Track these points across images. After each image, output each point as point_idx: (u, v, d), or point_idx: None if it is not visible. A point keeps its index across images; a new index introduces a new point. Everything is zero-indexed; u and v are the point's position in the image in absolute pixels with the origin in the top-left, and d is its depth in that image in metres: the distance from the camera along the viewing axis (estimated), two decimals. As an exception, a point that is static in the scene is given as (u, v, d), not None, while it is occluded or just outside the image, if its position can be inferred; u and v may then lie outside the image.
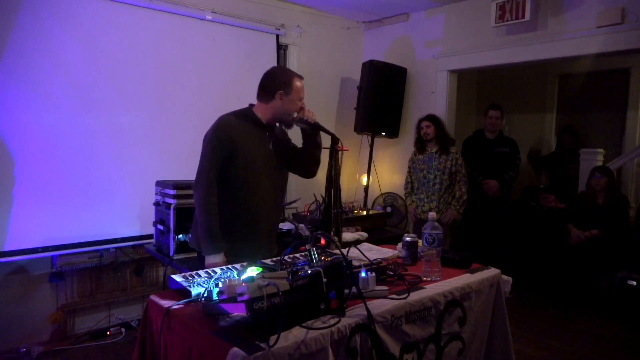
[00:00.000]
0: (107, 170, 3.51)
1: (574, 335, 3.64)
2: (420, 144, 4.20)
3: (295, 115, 2.19)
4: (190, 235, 2.38)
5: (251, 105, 2.26)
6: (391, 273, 1.85)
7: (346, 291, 1.52)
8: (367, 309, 1.49)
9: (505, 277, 2.13)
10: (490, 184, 4.40)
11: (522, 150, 6.30)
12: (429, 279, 1.90)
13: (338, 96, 5.18)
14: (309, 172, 2.40)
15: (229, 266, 1.80)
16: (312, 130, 2.28)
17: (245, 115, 2.21)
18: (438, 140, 4.11)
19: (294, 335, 1.33)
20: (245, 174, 2.13)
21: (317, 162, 2.38)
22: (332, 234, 2.50)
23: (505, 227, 4.58)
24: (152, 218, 3.16)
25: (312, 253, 1.63)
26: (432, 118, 4.16)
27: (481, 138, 4.63)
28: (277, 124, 2.29)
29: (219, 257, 2.06)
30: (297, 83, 2.21)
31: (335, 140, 2.21)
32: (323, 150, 2.64)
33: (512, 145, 4.58)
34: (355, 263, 1.82)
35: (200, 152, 2.15)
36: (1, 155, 3.10)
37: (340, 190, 2.55)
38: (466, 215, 4.27)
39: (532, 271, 4.72)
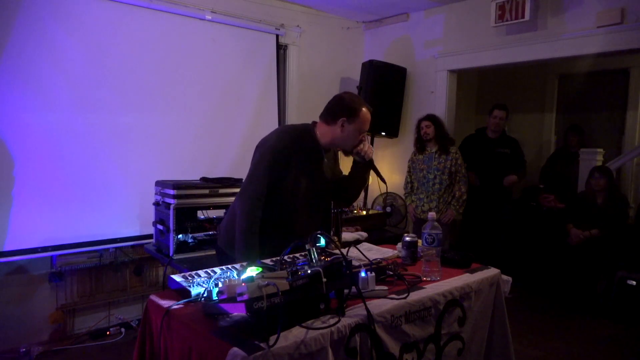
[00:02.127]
0: (107, 170, 3.51)
1: (574, 335, 3.65)
2: (420, 144, 4.21)
3: (355, 147, 2.14)
4: (220, 233, 2.27)
5: (314, 123, 2.18)
6: (391, 273, 1.85)
7: (346, 291, 1.52)
8: (367, 309, 1.49)
9: (505, 277, 2.13)
10: (510, 178, 4.35)
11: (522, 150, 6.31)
12: (429, 279, 1.90)
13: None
14: (346, 201, 2.37)
15: (229, 266, 1.80)
16: (364, 166, 2.22)
17: (305, 131, 2.13)
18: (438, 140, 4.11)
19: (294, 335, 1.33)
20: (291, 192, 2.05)
21: (356, 196, 2.33)
22: (332, 233, 2.50)
23: (504, 228, 4.57)
24: (152, 218, 3.16)
25: (312, 253, 1.63)
26: (431, 118, 4.16)
27: (483, 137, 4.59)
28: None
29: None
30: (364, 113, 2.10)
31: (382, 180, 2.20)
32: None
33: (513, 146, 4.52)
34: (355, 263, 1.82)
35: (253, 159, 2.08)
36: (1, 155, 3.10)
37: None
38: (467, 214, 4.27)
39: (531, 271, 4.72)
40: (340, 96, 2.16)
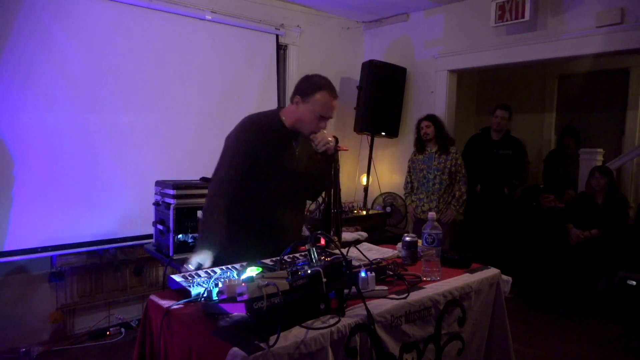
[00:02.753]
0: (107, 170, 3.51)
1: (574, 335, 3.64)
2: (420, 144, 4.20)
3: (311, 133, 2.03)
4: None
5: (280, 108, 2.14)
6: (391, 273, 1.85)
7: (346, 291, 1.51)
8: (367, 309, 1.49)
9: (504, 276, 2.13)
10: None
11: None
12: (429, 279, 1.90)
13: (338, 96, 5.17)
14: (309, 195, 2.29)
15: (229, 266, 1.80)
16: (320, 158, 2.09)
17: (270, 117, 2.08)
18: (438, 140, 4.11)
19: (294, 335, 1.33)
20: (262, 178, 2.01)
21: (316, 191, 2.27)
22: (332, 234, 2.50)
23: (505, 229, 4.56)
24: (152, 218, 3.16)
25: (312, 253, 1.63)
26: (431, 118, 4.16)
27: (486, 138, 4.57)
28: None
29: (204, 260, 1.85)
30: (321, 94, 1.98)
31: (334, 182, 2.13)
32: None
33: (516, 148, 4.48)
34: (355, 263, 1.82)
35: (221, 152, 2.07)
36: (1, 155, 3.10)
37: (340, 190, 2.55)
38: (468, 215, 4.26)
39: (532, 271, 4.72)
40: (306, 75, 2.10)
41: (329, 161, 2.09)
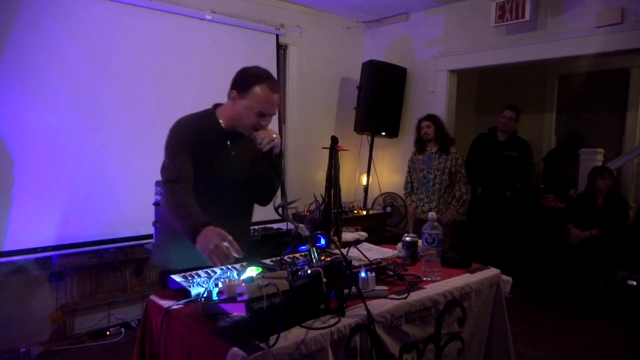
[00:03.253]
0: (107, 170, 3.51)
1: (574, 335, 3.64)
2: (420, 144, 4.20)
3: (252, 131, 1.84)
4: (153, 249, 2.03)
5: (216, 106, 1.96)
6: (391, 273, 1.85)
7: (346, 291, 1.51)
8: (367, 309, 1.49)
9: (505, 277, 2.12)
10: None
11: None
12: (429, 279, 1.90)
13: (338, 96, 5.19)
14: (257, 200, 2.07)
15: (229, 266, 1.79)
16: (264, 158, 1.86)
17: (205, 117, 1.91)
18: (438, 140, 4.11)
19: (294, 335, 1.33)
20: (199, 183, 1.80)
21: (266, 195, 2.04)
22: (332, 234, 2.50)
23: (507, 231, 4.54)
24: (152, 218, 3.16)
25: (312, 253, 1.63)
26: (432, 118, 4.15)
27: (492, 138, 4.53)
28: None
29: (209, 231, 1.55)
30: (259, 89, 1.78)
31: (280, 181, 1.93)
32: (323, 151, 2.64)
33: (522, 149, 4.43)
34: (355, 263, 1.82)
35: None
36: (1, 155, 3.10)
37: (340, 190, 2.56)
38: (470, 216, 4.24)
39: (532, 271, 4.72)
40: (243, 67, 1.88)
41: (276, 161, 1.87)
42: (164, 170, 1.80)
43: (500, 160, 4.40)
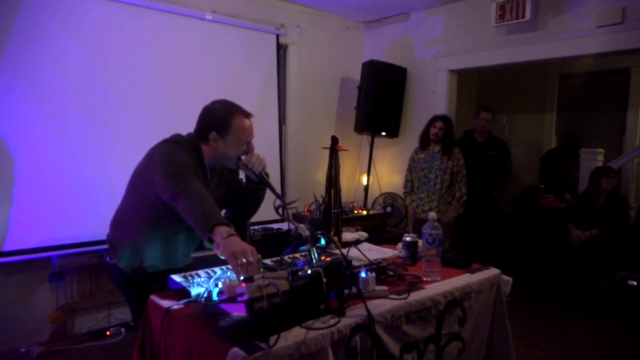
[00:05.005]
0: (107, 170, 3.50)
1: (574, 336, 3.64)
2: (425, 141, 4.18)
3: (241, 158, 1.87)
4: (114, 255, 1.93)
5: (200, 140, 1.90)
6: (391, 273, 1.85)
7: (346, 291, 1.51)
8: (367, 309, 1.49)
9: (505, 277, 2.12)
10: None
11: (522, 150, 6.33)
12: (429, 279, 1.90)
13: (338, 96, 5.19)
14: (244, 215, 2.14)
15: (229, 266, 1.79)
16: (256, 182, 1.95)
17: (192, 144, 1.87)
18: (443, 141, 4.09)
19: (294, 335, 1.33)
20: (172, 216, 1.72)
21: (249, 214, 2.12)
22: (332, 234, 2.50)
23: (498, 230, 4.55)
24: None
25: (312, 253, 1.63)
26: (447, 120, 4.11)
27: (470, 141, 4.57)
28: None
29: (239, 241, 1.51)
30: (237, 122, 1.83)
31: (280, 198, 1.93)
32: (323, 151, 2.64)
33: (501, 148, 4.51)
34: (355, 263, 1.82)
35: (153, 161, 1.82)
36: (1, 155, 3.10)
37: (340, 190, 2.56)
38: (459, 218, 4.22)
39: (532, 271, 4.72)
40: (208, 107, 1.88)
41: (264, 184, 1.93)
42: (173, 172, 1.71)
43: (483, 160, 4.43)
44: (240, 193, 2.08)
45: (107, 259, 2.00)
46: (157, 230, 1.89)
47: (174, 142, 1.87)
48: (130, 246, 1.90)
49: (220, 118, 1.83)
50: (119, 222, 2.01)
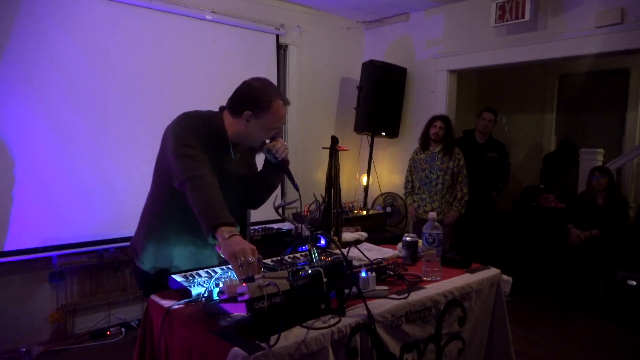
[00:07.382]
0: (107, 170, 3.51)
1: (574, 336, 3.64)
2: (425, 141, 4.18)
3: (265, 142, 1.83)
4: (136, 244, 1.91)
5: (222, 109, 1.88)
6: (391, 273, 1.85)
7: (346, 291, 1.52)
8: (368, 309, 1.49)
9: (505, 277, 2.13)
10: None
11: (522, 150, 6.34)
12: (429, 279, 1.90)
13: (338, 96, 5.19)
14: (254, 202, 2.06)
15: (229, 266, 1.79)
16: (274, 168, 1.91)
17: (211, 118, 1.84)
18: (443, 141, 4.09)
19: (295, 335, 1.33)
20: None
21: (261, 201, 2.04)
22: (332, 234, 2.50)
23: (495, 231, 4.55)
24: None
25: (313, 253, 1.63)
26: (446, 120, 4.12)
27: (471, 141, 4.57)
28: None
29: (240, 241, 1.50)
30: (275, 107, 1.76)
31: (296, 188, 1.88)
32: (323, 151, 2.64)
33: (500, 150, 4.53)
34: (355, 263, 1.82)
35: (166, 145, 1.77)
36: (1, 155, 3.10)
37: (340, 190, 2.56)
38: (457, 219, 4.22)
39: (532, 271, 4.73)
40: (249, 84, 1.82)
41: (282, 169, 1.90)
42: (183, 153, 1.69)
43: (483, 161, 4.44)
44: (252, 178, 1.99)
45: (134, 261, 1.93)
46: (185, 224, 1.81)
47: (186, 116, 1.84)
48: (153, 244, 1.85)
49: (261, 99, 1.76)
50: (144, 220, 1.97)
